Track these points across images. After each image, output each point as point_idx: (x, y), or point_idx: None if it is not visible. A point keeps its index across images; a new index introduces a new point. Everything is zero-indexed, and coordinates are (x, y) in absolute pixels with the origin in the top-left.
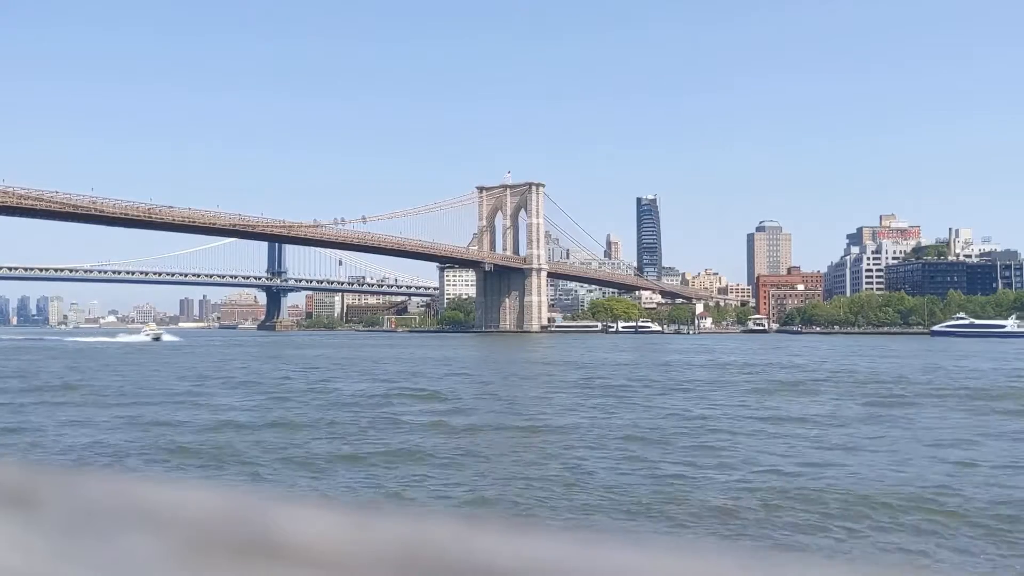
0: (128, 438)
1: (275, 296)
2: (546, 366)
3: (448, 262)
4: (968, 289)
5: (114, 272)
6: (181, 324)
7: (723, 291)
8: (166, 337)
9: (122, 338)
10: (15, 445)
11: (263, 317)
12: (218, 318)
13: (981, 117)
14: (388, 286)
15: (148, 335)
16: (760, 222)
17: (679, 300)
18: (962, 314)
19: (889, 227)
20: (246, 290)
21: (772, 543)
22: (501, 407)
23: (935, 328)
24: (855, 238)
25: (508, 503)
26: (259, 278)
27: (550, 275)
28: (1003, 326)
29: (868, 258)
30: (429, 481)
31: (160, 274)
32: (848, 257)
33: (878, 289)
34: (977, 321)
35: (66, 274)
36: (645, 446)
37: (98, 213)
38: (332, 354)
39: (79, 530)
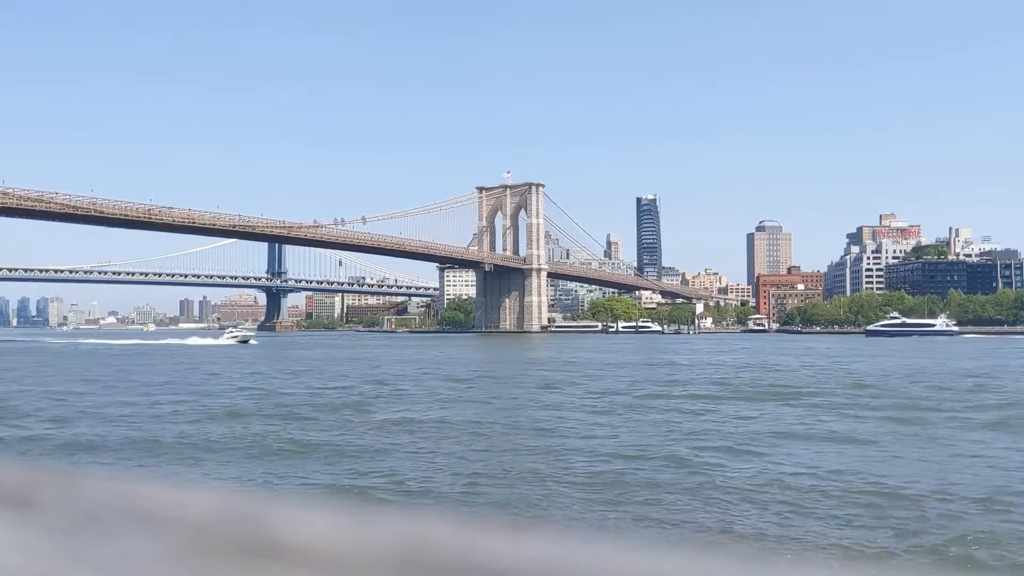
0: None
1: (275, 297)
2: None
3: (448, 262)
4: (968, 288)
5: (114, 273)
6: (181, 325)
7: (723, 291)
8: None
9: (192, 341)
10: None
11: (263, 318)
12: (218, 319)
13: (981, 116)
14: (388, 286)
15: (234, 338)
16: (760, 222)
17: (679, 300)
18: (895, 313)
19: (889, 227)
20: (246, 291)
21: (772, 542)
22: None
23: (869, 328)
24: (855, 238)
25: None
26: (259, 279)
27: (550, 275)
28: (932, 324)
29: (868, 258)
30: None
31: (160, 275)
32: (848, 257)
33: (878, 289)
34: (909, 320)
35: (66, 275)
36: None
37: (98, 214)
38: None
39: (79, 530)
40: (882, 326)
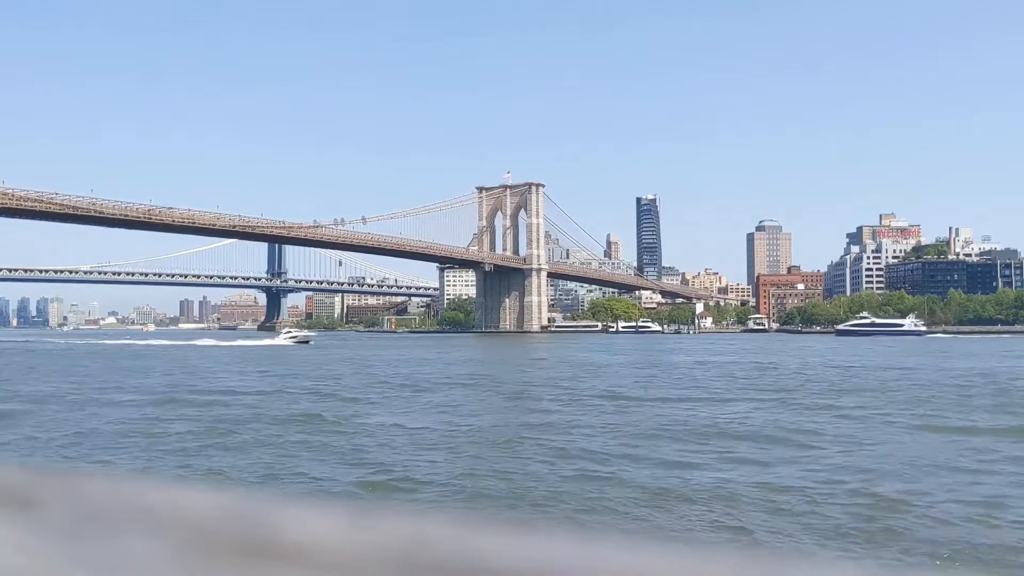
0: None
1: (275, 297)
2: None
3: (448, 262)
4: (968, 288)
5: (114, 273)
6: (181, 325)
7: (723, 291)
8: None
9: (243, 342)
10: None
11: (263, 318)
12: (218, 319)
13: (981, 116)
14: (388, 286)
15: (292, 338)
16: (760, 221)
17: (679, 300)
18: (865, 313)
19: (889, 226)
20: (246, 291)
21: (773, 543)
22: None
23: (839, 328)
24: (855, 237)
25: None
26: (259, 279)
27: (550, 275)
28: (901, 324)
29: (868, 257)
30: None
31: (160, 275)
32: (848, 256)
33: (878, 288)
34: (878, 320)
35: (66, 275)
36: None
37: (98, 214)
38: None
39: (81, 531)
40: (851, 326)
